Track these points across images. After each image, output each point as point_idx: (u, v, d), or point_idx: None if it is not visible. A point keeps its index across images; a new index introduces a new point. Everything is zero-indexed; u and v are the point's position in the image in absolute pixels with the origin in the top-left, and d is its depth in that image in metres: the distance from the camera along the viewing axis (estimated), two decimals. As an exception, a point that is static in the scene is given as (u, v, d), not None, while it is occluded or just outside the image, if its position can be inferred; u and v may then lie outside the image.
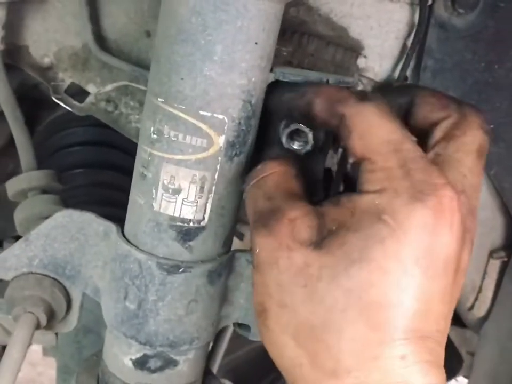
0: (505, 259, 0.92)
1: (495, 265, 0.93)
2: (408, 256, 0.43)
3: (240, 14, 0.50)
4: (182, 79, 0.52)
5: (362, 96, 0.49)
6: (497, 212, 0.90)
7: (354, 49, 0.78)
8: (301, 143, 0.53)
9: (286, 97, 0.54)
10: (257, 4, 0.50)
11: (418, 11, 0.76)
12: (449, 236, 0.44)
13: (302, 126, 0.52)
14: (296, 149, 0.53)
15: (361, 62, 0.79)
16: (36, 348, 1.54)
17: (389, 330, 0.43)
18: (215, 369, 0.93)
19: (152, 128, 0.54)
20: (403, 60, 0.78)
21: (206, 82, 0.51)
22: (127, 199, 0.92)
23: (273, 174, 0.51)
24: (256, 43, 0.51)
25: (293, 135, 0.53)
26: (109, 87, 0.74)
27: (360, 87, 0.81)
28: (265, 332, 0.49)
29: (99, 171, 1.02)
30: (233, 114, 0.53)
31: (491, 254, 0.92)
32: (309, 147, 0.53)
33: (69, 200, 0.76)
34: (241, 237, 0.92)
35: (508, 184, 0.86)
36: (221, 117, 0.52)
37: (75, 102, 0.75)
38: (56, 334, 0.71)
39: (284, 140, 0.53)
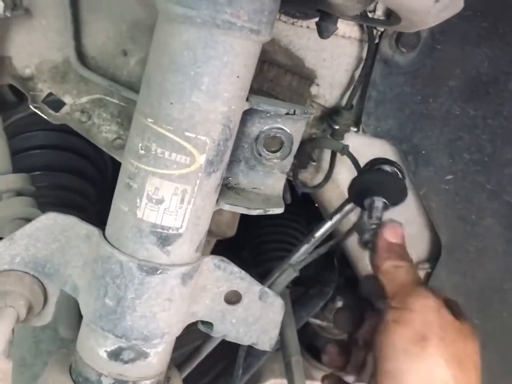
0: (429, 270, 1.03)
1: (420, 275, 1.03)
2: None
3: (226, 51, 0.57)
4: (172, 103, 0.58)
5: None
6: (424, 227, 1.01)
7: (308, 77, 0.87)
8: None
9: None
10: (242, 43, 0.58)
11: (366, 47, 0.86)
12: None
13: None
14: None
15: (314, 89, 0.88)
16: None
17: None
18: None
19: (140, 145, 0.60)
20: (351, 89, 0.88)
21: (193, 108, 0.58)
22: (81, 200, 0.97)
23: None
24: (238, 77, 0.59)
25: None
26: (84, 99, 0.80)
27: (312, 111, 0.90)
28: None
29: (56, 174, 1.06)
30: (214, 136, 0.60)
31: (417, 265, 1.02)
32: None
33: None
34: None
35: (435, 204, 0.97)
36: (203, 138, 0.59)
37: (51, 111, 0.80)
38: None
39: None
